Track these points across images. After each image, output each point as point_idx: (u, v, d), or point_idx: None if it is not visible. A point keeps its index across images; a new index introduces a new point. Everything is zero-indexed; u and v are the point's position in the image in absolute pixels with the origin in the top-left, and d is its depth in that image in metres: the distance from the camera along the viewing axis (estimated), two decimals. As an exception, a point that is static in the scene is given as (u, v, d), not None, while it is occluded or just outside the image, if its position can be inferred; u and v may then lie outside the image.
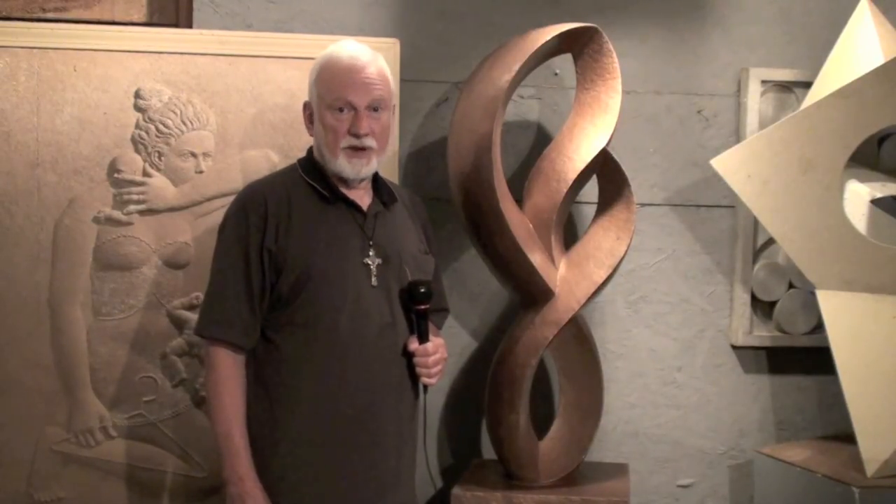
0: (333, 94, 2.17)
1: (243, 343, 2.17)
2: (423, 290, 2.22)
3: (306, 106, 2.26)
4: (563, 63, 2.92)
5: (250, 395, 2.18)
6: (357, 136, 2.17)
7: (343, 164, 2.19)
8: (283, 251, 2.15)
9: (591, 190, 2.86)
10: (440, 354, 2.27)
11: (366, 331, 2.18)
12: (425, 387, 2.29)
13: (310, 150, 2.29)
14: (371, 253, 2.21)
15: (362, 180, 2.24)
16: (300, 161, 2.28)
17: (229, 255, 2.17)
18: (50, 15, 2.85)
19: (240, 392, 2.16)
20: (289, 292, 2.15)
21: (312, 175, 2.23)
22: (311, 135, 2.25)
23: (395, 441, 2.24)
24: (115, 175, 2.65)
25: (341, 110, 2.17)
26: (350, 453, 2.17)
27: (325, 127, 2.18)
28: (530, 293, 2.71)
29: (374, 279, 2.19)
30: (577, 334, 2.79)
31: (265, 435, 2.16)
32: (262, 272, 2.15)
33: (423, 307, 2.22)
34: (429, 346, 2.23)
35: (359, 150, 2.18)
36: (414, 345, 2.23)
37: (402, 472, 2.27)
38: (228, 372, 2.16)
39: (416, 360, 2.23)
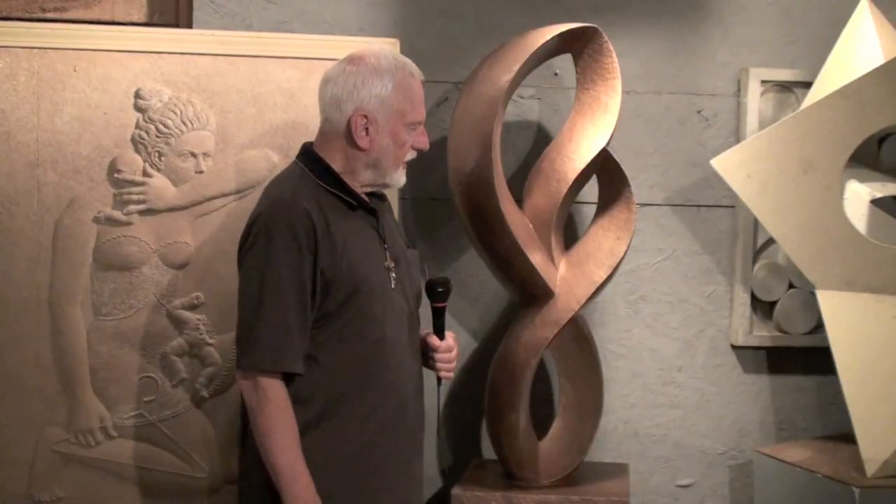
0: (417, 113, 2.19)
1: (299, 370, 2.10)
2: (440, 290, 2.29)
3: (361, 116, 2.14)
4: (563, 63, 2.92)
5: None
6: (421, 150, 2.23)
7: (401, 176, 2.22)
8: (332, 268, 2.10)
9: (591, 190, 2.87)
10: (457, 348, 2.34)
11: (401, 335, 2.21)
12: (439, 380, 2.32)
13: (318, 156, 2.19)
14: (388, 256, 2.21)
15: None
16: (312, 170, 2.18)
17: (280, 280, 2.07)
18: (50, 15, 2.85)
19: (294, 421, 2.09)
20: (337, 308, 2.12)
21: (333, 184, 2.17)
22: (363, 146, 2.15)
23: (420, 438, 2.30)
24: (115, 175, 2.65)
25: (414, 128, 2.19)
26: (393, 455, 2.19)
27: (397, 142, 2.17)
28: (530, 293, 2.71)
29: (392, 282, 2.20)
30: (577, 334, 2.79)
31: (311, 452, 2.11)
32: (314, 294, 2.10)
33: (441, 305, 2.29)
34: (449, 341, 2.30)
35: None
36: (435, 341, 2.29)
37: (422, 467, 2.33)
38: (284, 403, 2.08)
39: (439, 356, 2.29)
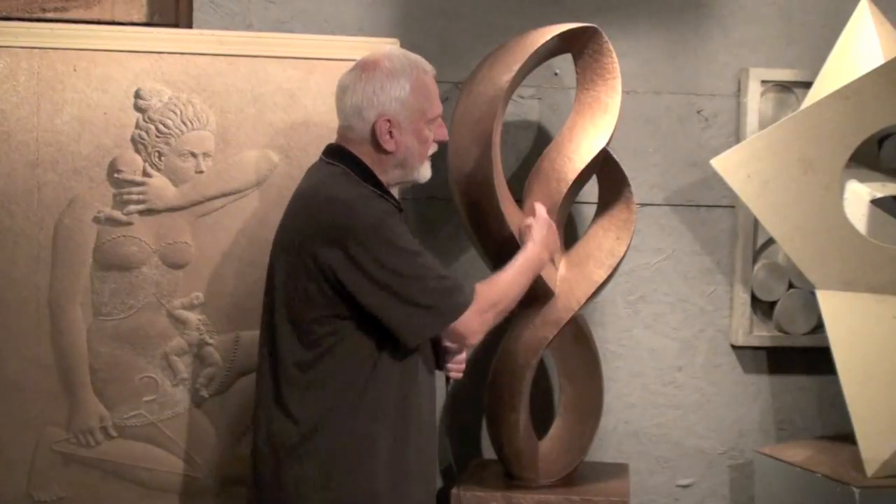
0: (436, 108, 2.23)
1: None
2: None
3: (385, 121, 2.15)
4: (563, 63, 2.92)
5: (343, 409, 2.14)
6: (443, 143, 2.28)
7: (427, 169, 2.26)
8: None
9: (591, 190, 2.87)
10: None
11: None
12: (447, 380, 2.40)
13: (358, 158, 2.19)
14: None
15: None
16: (355, 172, 2.18)
17: (416, 249, 2.13)
18: (50, 15, 2.85)
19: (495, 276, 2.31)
20: None
21: (374, 184, 2.20)
22: (390, 149, 2.18)
23: (436, 437, 2.39)
24: (115, 175, 2.65)
25: (433, 122, 2.23)
26: (424, 453, 2.25)
27: (421, 139, 2.21)
28: (530, 293, 2.70)
29: None
30: (577, 334, 2.79)
31: (365, 447, 2.14)
32: None
33: None
34: None
35: None
36: (447, 343, 2.32)
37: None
38: (483, 293, 2.20)
39: (452, 357, 2.35)
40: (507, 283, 2.29)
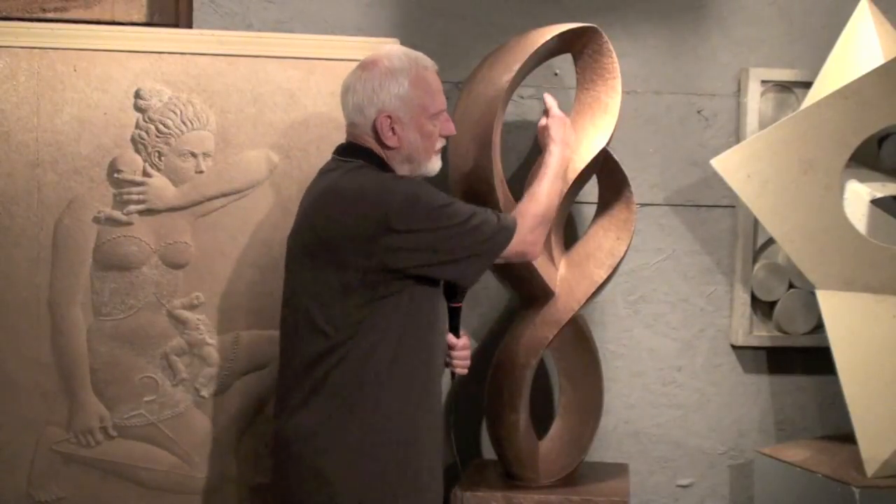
0: (438, 103, 2.26)
1: None
2: (461, 289, 2.36)
3: (385, 117, 2.20)
4: (563, 63, 2.92)
5: (390, 376, 2.20)
6: (448, 137, 2.33)
7: (436, 163, 2.30)
8: None
9: (591, 190, 2.87)
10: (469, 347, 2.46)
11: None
12: (452, 375, 2.43)
13: (373, 151, 2.24)
14: None
15: None
16: (379, 167, 2.23)
17: (450, 200, 2.21)
18: (50, 15, 2.85)
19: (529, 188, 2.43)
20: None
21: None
22: (393, 145, 2.22)
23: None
24: (115, 175, 2.65)
25: (437, 117, 2.26)
26: (440, 430, 2.35)
27: (425, 134, 2.25)
28: (530, 293, 2.71)
29: None
30: (577, 334, 2.79)
31: (404, 425, 2.21)
32: None
33: (458, 304, 2.37)
34: (465, 339, 2.41)
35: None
36: (452, 339, 2.38)
37: None
38: (523, 217, 2.31)
39: (456, 353, 2.39)
40: (547, 193, 2.38)
